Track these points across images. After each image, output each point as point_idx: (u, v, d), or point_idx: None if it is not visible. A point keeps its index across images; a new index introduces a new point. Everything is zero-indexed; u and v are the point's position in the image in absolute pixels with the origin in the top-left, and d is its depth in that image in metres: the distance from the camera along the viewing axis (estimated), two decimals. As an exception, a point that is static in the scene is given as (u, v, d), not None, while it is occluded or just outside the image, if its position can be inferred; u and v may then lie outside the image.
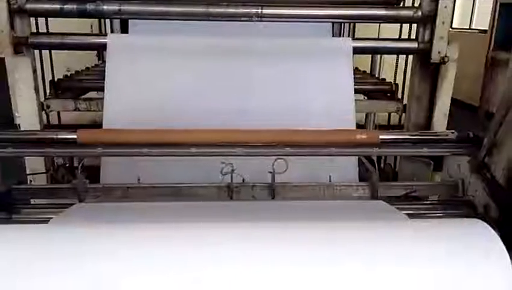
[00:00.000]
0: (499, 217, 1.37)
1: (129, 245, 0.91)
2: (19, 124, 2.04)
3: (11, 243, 0.87)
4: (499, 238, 0.89)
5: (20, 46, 1.88)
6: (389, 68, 2.65)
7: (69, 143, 1.49)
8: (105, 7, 1.82)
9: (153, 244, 0.93)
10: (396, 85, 2.39)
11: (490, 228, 0.91)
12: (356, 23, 3.03)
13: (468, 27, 7.28)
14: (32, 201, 1.60)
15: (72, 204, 1.44)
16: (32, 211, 1.47)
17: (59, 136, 1.47)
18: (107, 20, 3.47)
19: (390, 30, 2.54)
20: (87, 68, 2.95)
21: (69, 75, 2.58)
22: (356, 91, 2.39)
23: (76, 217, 1.24)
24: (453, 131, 1.60)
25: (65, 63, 3.26)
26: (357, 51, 2.04)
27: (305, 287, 0.80)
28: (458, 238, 0.88)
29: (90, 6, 1.81)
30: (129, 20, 2.55)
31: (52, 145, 1.49)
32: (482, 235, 0.89)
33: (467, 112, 7.26)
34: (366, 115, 3.05)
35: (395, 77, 2.48)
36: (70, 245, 0.87)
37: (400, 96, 2.37)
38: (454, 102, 2.10)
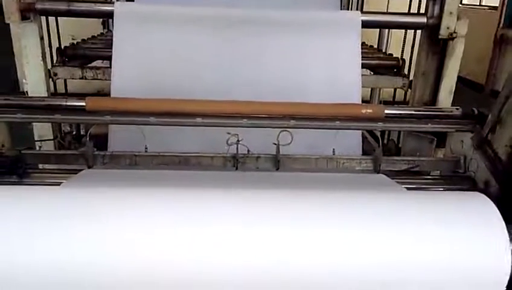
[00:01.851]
0: (499, 193, 1.40)
1: (138, 206, 0.95)
2: (26, 91, 2.06)
3: (25, 203, 0.91)
4: (496, 209, 0.92)
5: (27, 12, 1.87)
6: (396, 44, 2.63)
7: (77, 110, 1.51)
8: (113, -27, 1.80)
9: (159, 206, 0.96)
10: (403, 60, 2.38)
11: (488, 199, 0.94)
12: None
13: (478, 3, 7.16)
14: (40, 166, 1.64)
15: (80, 170, 1.48)
16: (42, 175, 1.51)
17: (68, 103, 1.49)
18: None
19: (399, 5, 2.51)
20: (93, 36, 2.93)
21: (74, 43, 2.57)
22: (362, 66, 2.40)
23: (86, 182, 1.27)
24: (457, 107, 1.61)
25: (70, 31, 3.24)
26: (365, 24, 2.02)
27: (297, 248, 0.84)
28: (456, 208, 0.91)
29: (97, -28, 1.79)
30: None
31: (61, 111, 1.51)
32: (479, 206, 0.92)
33: (471, 91, 7.22)
34: (372, 90, 3.04)
35: (402, 52, 2.46)
36: (84, 206, 0.90)
37: (406, 72, 2.36)
38: (459, 80, 2.10)
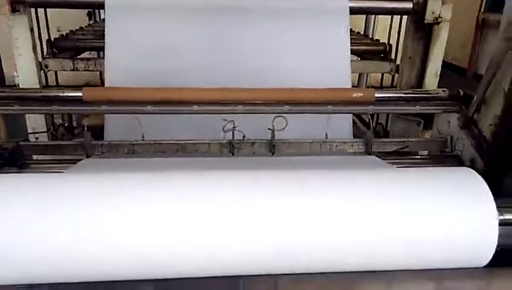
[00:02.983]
0: (484, 170, 1.47)
1: (142, 190, 0.98)
2: (17, 84, 2.05)
3: (33, 188, 0.94)
4: (484, 182, 0.98)
5: (17, 4, 1.86)
6: (383, 29, 2.69)
7: (74, 101, 1.53)
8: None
9: (163, 190, 0.99)
10: (390, 46, 2.44)
11: (476, 173, 1.00)
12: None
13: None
14: (35, 158, 1.65)
15: (78, 160, 1.50)
16: (40, 166, 1.53)
17: (65, 94, 1.50)
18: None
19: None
20: (81, 28, 2.92)
21: (63, 35, 2.55)
22: (350, 52, 2.44)
23: (88, 171, 1.30)
24: (444, 89, 1.68)
25: (55, 23, 3.21)
26: (352, 11, 2.06)
27: (295, 224, 0.90)
28: (446, 182, 0.97)
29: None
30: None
31: (58, 102, 1.53)
32: (468, 179, 0.98)
33: (455, 75, 7.35)
34: (359, 76, 3.11)
35: (388, 38, 2.52)
36: (87, 192, 0.94)
37: (393, 57, 2.42)
38: (443, 65, 2.16)
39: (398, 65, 2.30)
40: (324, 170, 1.04)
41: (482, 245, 0.95)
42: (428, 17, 2.00)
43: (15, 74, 1.98)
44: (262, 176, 1.01)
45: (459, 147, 1.66)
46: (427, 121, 2.02)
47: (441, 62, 2.11)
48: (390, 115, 2.34)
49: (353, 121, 2.23)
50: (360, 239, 0.92)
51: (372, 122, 2.64)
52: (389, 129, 2.41)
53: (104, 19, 1.96)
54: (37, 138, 1.90)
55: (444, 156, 1.69)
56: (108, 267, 0.92)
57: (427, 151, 1.86)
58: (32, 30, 1.96)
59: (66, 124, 2.46)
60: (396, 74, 2.33)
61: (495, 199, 0.97)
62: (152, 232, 0.92)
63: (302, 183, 0.98)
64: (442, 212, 0.93)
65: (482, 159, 1.50)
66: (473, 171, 1.02)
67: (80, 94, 1.49)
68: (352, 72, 2.38)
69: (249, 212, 0.92)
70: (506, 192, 1.36)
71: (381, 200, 0.91)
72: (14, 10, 1.87)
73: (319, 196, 0.93)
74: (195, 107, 1.55)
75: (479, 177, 1.00)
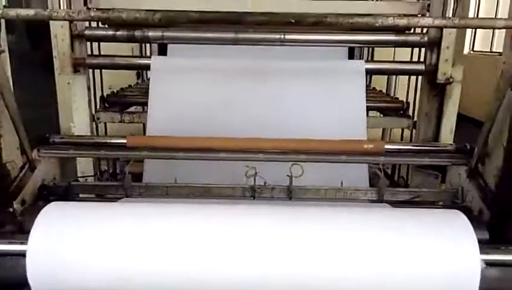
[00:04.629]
0: (490, 220, 1.55)
1: (173, 225, 1.17)
2: (73, 133, 2.36)
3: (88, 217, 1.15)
4: (470, 224, 1.09)
5: (78, 66, 2.21)
6: (403, 88, 2.86)
7: (119, 147, 1.79)
8: (150, 34, 2.13)
9: (195, 226, 1.18)
10: (408, 103, 2.60)
11: (464, 215, 1.11)
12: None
13: (489, 50, 7.44)
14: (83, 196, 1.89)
15: (119, 199, 1.72)
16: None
17: (112, 140, 1.76)
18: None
19: (406, 52, 2.76)
20: (130, 86, 3.29)
21: (115, 92, 2.91)
22: (372, 109, 2.62)
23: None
24: (451, 143, 1.80)
25: (108, 81, 3.63)
26: (370, 72, 2.27)
27: (303, 255, 1.04)
28: (432, 222, 1.09)
29: (138, 33, 2.13)
30: (168, 44, 2.88)
31: (105, 148, 1.79)
32: (455, 221, 1.09)
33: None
34: (383, 131, 3.25)
35: (407, 95, 2.68)
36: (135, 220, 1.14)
37: (411, 113, 2.57)
38: (473, 122, 2.25)
39: (415, 121, 2.44)
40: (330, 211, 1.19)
41: (465, 285, 1.03)
42: (440, 78, 2.16)
43: (71, 124, 2.29)
44: (278, 225, 1.17)
45: (468, 198, 1.74)
46: (444, 174, 2.11)
47: (455, 119, 2.23)
48: (410, 168, 2.45)
49: (375, 172, 2.37)
50: (360, 274, 1.04)
51: (393, 176, 2.77)
52: (410, 183, 2.50)
53: (149, 78, 2.27)
54: (86, 179, 2.16)
55: (454, 207, 1.77)
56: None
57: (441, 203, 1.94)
58: (89, 88, 2.29)
59: (110, 171, 2.74)
60: (414, 129, 2.46)
61: (479, 241, 1.07)
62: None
63: (308, 222, 1.13)
64: (426, 252, 1.04)
65: (488, 210, 1.58)
66: (461, 213, 1.13)
67: (125, 141, 1.74)
68: (373, 127, 2.55)
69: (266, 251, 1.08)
70: (509, 240, 1.43)
71: (368, 237, 1.05)
72: (75, 71, 2.21)
73: (318, 236, 1.07)
74: (222, 155, 1.76)
75: (466, 219, 1.11)
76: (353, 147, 1.75)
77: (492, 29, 6.82)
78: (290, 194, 1.77)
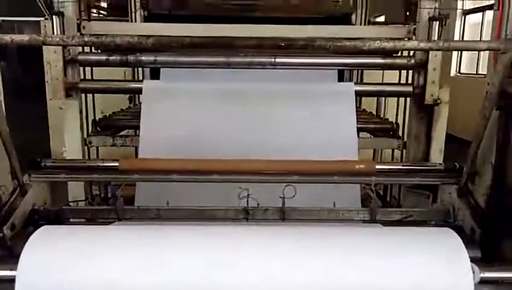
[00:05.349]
0: (481, 238, 1.56)
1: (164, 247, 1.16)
2: (65, 157, 2.35)
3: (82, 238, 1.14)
4: (461, 241, 1.10)
5: (70, 90, 2.22)
6: (393, 109, 2.91)
7: (111, 170, 1.78)
8: (143, 58, 2.16)
9: (181, 253, 1.17)
10: (397, 124, 2.64)
11: (455, 234, 1.12)
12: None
13: (475, 72, 7.64)
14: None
15: (111, 222, 1.71)
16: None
17: (104, 164, 1.76)
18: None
19: (394, 74, 2.83)
20: (122, 110, 3.30)
21: (107, 116, 2.92)
22: (362, 130, 2.66)
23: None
24: (441, 163, 1.83)
25: (99, 106, 3.64)
26: (360, 94, 2.32)
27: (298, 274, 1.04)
28: (428, 242, 1.10)
29: (131, 58, 2.16)
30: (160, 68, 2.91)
31: (97, 172, 1.78)
32: (447, 240, 1.10)
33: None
34: (374, 152, 3.29)
35: (396, 117, 2.73)
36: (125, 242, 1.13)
37: (400, 134, 2.61)
38: (462, 142, 2.28)
39: (405, 142, 2.48)
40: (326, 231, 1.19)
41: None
42: (428, 99, 2.21)
43: (63, 149, 2.28)
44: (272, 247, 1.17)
45: (460, 217, 1.75)
46: (436, 194, 2.13)
47: (444, 139, 2.27)
48: (401, 189, 2.47)
49: (367, 193, 2.38)
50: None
51: (386, 197, 2.78)
52: (401, 203, 2.51)
53: (141, 102, 2.29)
54: (77, 204, 2.14)
55: (446, 226, 1.77)
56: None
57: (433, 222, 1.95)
58: (81, 112, 2.30)
59: (102, 195, 2.71)
60: (404, 149, 2.49)
61: (471, 259, 1.08)
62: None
63: (303, 242, 1.14)
64: (419, 271, 1.04)
65: (479, 228, 1.59)
66: (452, 231, 1.14)
67: (117, 164, 1.74)
68: (363, 148, 2.57)
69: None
70: (501, 258, 1.44)
71: (362, 256, 1.05)
72: (67, 95, 2.22)
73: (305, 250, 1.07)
74: (214, 176, 1.76)
75: (458, 238, 1.12)
76: (345, 168, 1.76)
77: (477, 53, 7.04)
78: (283, 215, 1.77)
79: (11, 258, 1.22)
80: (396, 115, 2.71)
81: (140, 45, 1.52)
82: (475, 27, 7.87)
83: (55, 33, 2.07)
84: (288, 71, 2.33)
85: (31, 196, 1.66)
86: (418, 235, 1.14)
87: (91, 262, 1.10)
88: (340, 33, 2.26)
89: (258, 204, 1.77)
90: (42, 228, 1.24)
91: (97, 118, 2.78)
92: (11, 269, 1.15)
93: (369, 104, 3.32)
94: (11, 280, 1.13)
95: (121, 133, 2.70)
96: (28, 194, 1.64)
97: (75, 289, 1.09)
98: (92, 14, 3.47)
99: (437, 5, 2.17)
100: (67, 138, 2.27)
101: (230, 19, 2.25)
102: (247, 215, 1.77)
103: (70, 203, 2.23)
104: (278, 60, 2.20)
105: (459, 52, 7.47)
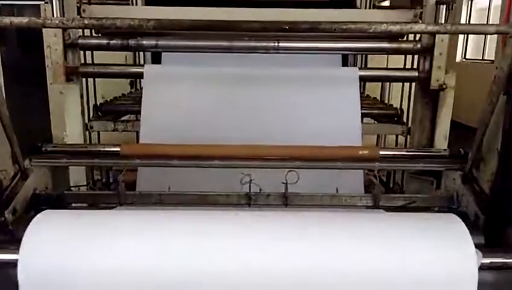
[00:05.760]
0: (485, 225, 1.55)
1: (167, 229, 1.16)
2: (65, 142, 2.34)
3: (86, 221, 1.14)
4: (465, 227, 1.08)
5: (71, 75, 2.20)
6: (397, 94, 2.88)
7: (112, 155, 1.77)
8: (144, 42, 2.13)
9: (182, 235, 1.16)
10: (402, 110, 2.61)
11: (459, 219, 1.11)
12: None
13: (481, 57, 7.54)
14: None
15: (112, 207, 1.70)
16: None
17: (105, 149, 1.75)
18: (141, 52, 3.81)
19: (399, 58, 2.78)
20: (123, 94, 3.28)
21: (108, 100, 2.90)
22: (366, 115, 2.63)
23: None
24: (445, 149, 1.80)
25: (100, 90, 3.61)
26: (364, 79, 2.28)
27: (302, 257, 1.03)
28: (431, 228, 1.09)
29: (131, 42, 2.12)
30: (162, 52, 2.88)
31: (99, 156, 1.77)
32: (451, 225, 1.09)
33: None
34: (378, 138, 3.26)
35: (401, 102, 2.70)
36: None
37: (405, 120, 2.58)
38: (468, 129, 2.26)
39: (410, 127, 2.45)
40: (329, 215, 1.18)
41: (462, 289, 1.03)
42: (434, 84, 2.18)
43: (64, 133, 2.27)
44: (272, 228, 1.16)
45: (463, 203, 1.74)
46: (440, 180, 2.12)
47: (449, 125, 2.24)
48: (404, 175, 2.45)
49: (370, 180, 2.36)
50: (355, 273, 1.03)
51: (389, 183, 2.77)
52: (405, 189, 2.50)
53: (142, 87, 2.26)
54: (79, 189, 2.14)
55: (450, 212, 1.76)
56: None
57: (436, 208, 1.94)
58: (82, 96, 2.28)
59: (103, 180, 2.71)
60: (408, 135, 2.47)
61: (475, 245, 1.07)
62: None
63: (307, 226, 1.13)
64: (422, 256, 1.03)
65: (483, 214, 1.58)
66: (457, 217, 1.13)
67: (118, 149, 1.73)
68: (367, 133, 2.55)
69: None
70: (505, 244, 1.43)
71: (365, 242, 1.04)
72: (68, 79, 2.19)
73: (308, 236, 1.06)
74: (216, 162, 1.75)
75: (462, 223, 1.11)
76: (348, 153, 1.75)
77: (484, 37, 6.94)
78: (286, 201, 1.76)
79: (13, 242, 1.21)
80: (401, 100, 2.68)
81: (141, 28, 1.50)
82: (482, 12, 7.74)
83: (54, 16, 2.04)
84: (291, 56, 2.29)
85: (32, 181, 1.65)
86: (422, 220, 1.13)
87: (93, 246, 1.09)
88: (345, 17, 2.22)
89: (260, 190, 1.76)
90: (44, 212, 1.24)
91: (98, 103, 2.77)
92: (13, 253, 1.15)
93: (373, 89, 3.28)
94: (13, 264, 1.13)
95: (123, 118, 2.69)
96: (29, 179, 1.63)
97: (76, 272, 1.09)
98: (92, -3, 3.40)
99: (444, -12, 2.12)
100: (68, 123, 2.25)
101: (233, 2, 2.20)
102: (249, 201, 1.76)
103: (72, 188, 2.25)
104: (281, 44, 2.16)
105: (465, 37, 7.37)
